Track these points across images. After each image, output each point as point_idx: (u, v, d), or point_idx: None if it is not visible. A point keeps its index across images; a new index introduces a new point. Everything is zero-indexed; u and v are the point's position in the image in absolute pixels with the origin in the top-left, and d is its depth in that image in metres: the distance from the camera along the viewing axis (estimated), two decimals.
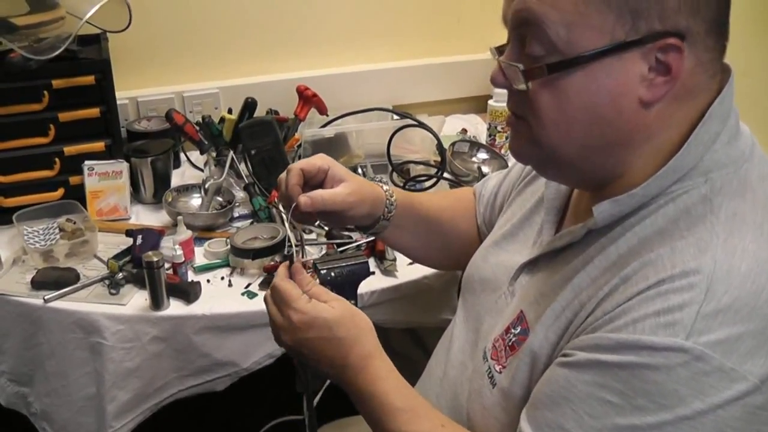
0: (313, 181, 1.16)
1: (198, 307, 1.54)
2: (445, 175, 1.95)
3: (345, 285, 1.35)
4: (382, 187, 1.26)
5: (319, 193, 1.14)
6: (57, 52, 1.73)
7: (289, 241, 1.62)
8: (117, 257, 1.65)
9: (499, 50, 0.94)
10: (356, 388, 1.00)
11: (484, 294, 1.15)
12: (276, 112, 2.08)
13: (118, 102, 1.90)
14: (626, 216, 0.89)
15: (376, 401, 0.97)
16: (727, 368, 0.75)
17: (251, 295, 1.57)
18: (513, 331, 0.99)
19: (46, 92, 1.78)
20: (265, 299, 1.08)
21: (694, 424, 0.75)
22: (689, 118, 0.87)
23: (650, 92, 0.83)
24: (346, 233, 1.74)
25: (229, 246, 1.67)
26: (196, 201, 1.92)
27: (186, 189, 1.94)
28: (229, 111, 2.00)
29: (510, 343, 0.98)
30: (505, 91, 0.93)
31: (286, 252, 1.63)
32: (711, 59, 0.85)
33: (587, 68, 0.82)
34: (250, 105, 1.91)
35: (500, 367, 0.99)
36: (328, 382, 1.15)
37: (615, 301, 0.83)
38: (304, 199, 1.12)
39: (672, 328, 0.76)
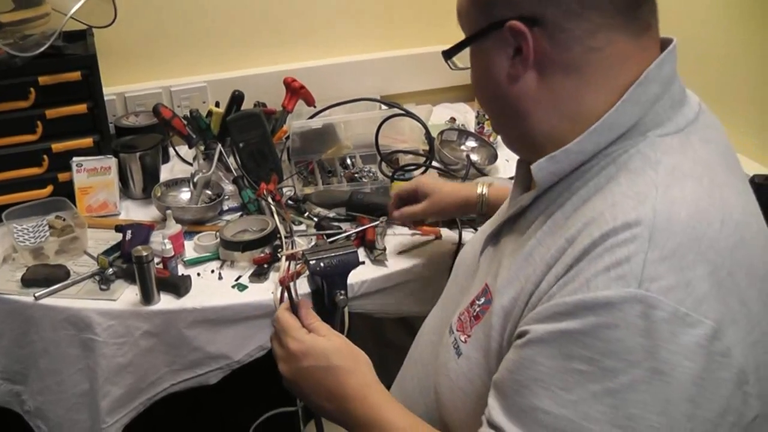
0: (410, 198, 1.62)
1: (189, 301, 1.54)
2: (434, 163, 1.96)
3: (335, 275, 1.36)
4: (478, 186, 1.56)
5: (405, 209, 1.61)
6: (42, 49, 1.73)
7: (280, 233, 1.63)
8: (107, 253, 1.65)
9: None
10: (356, 418, 1.00)
11: (462, 277, 1.18)
12: (263, 105, 2.07)
13: (105, 98, 1.90)
14: (572, 180, 0.92)
15: (379, 426, 0.98)
16: (682, 313, 0.75)
17: (242, 287, 1.57)
18: (477, 302, 1.00)
19: (32, 89, 1.78)
20: (270, 337, 1.14)
21: (665, 378, 0.75)
22: (613, 89, 0.90)
23: (513, 69, 0.92)
24: (336, 224, 1.75)
25: (218, 239, 1.67)
26: (185, 195, 1.93)
27: (175, 183, 1.94)
28: (217, 104, 2.00)
29: (475, 314, 0.99)
30: None
31: (279, 251, 1.64)
32: (578, 36, 0.88)
33: (471, 49, 0.98)
34: (237, 98, 1.91)
35: (465, 337, 0.99)
36: None
37: (564, 263, 0.84)
38: (396, 213, 1.62)
39: (624, 280, 0.77)
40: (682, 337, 0.75)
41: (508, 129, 1.02)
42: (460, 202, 1.57)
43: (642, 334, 0.75)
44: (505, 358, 0.88)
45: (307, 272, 1.55)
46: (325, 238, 1.70)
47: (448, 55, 1.01)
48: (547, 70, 0.90)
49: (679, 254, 0.78)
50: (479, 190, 1.55)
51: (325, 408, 1.04)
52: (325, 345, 1.04)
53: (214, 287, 1.58)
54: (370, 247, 1.67)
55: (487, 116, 1.03)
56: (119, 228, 1.71)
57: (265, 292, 1.56)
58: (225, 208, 1.88)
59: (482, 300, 0.99)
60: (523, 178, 1.08)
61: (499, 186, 1.56)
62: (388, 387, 1.08)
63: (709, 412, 0.77)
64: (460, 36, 0.99)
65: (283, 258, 1.61)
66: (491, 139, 2.18)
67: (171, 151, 2.16)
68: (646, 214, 0.80)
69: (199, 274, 1.62)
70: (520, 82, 0.92)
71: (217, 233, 1.70)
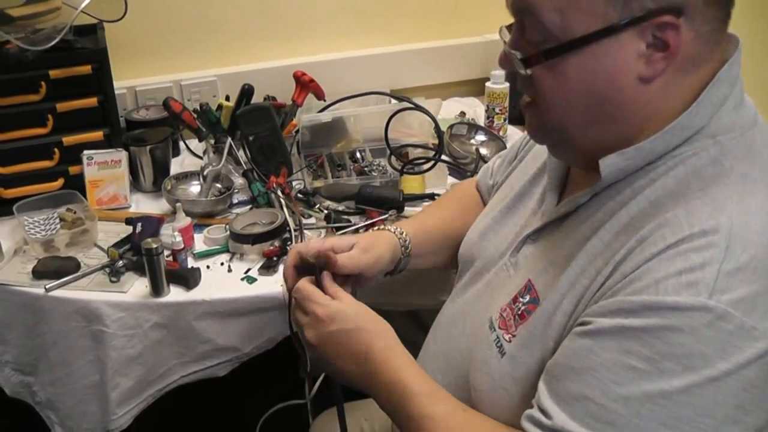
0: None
1: (198, 293, 1.54)
2: (444, 157, 1.96)
3: None
4: (389, 229, 1.33)
5: (340, 259, 1.16)
6: (53, 43, 1.73)
7: (289, 226, 1.63)
8: (117, 245, 1.65)
9: (510, 28, 0.95)
10: (379, 379, 1.01)
11: (484, 269, 1.16)
12: (273, 98, 2.08)
13: (116, 92, 1.90)
14: (635, 179, 0.90)
15: (400, 389, 0.98)
16: (749, 326, 0.75)
17: (251, 280, 1.58)
18: (521, 299, 0.99)
19: (43, 83, 1.78)
20: (292, 309, 1.13)
21: (719, 385, 0.75)
22: (692, 88, 0.87)
23: (649, 68, 0.84)
24: (345, 217, 1.75)
25: (228, 232, 1.68)
26: (195, 188, 1.93)
27: (185, 176, 1.95)
28: (227, 98, 2.00)
29: (519, 312, 0.98)
30: (502, 74, 0.96)
31: (287, 243, 1.64)
32: (712, 29, 0.85)
33: (583, 51, 0.84)
34: (247, 91, 1.91)
35: (510, 336, 0.98)
36: None
37: (633, 262, 0.83)
38: (339, 263, 1.15)
39: (695, 287, 0.76)
40: (745, 350, 0.76)
41: (600, 137, 0.91)
42: (389, 242, 1.30)
43: (706, 342, 0.76)
44: (562, 345, 0.88)
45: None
46: (334, 231, 1.70)
47: (530, 62, 0.88)
48: (673, 67, 0.85)
49: (752, 266, 0.78)
50: (392, 229, 1.33)
51: (351, 371, 1.04)
52: (349, 308, 1.06)
53: (223, 280, 1.59)
54: None
55: (552, 127, 0.92)
56: (129, 221, 1.71)
57: (275, 284, 1.56)
58: (235, 201, 1.88)
59: (527, 298, 0.98)
60: (561, 173, 1.06)
61: (407, 223, 1.39)
62: None
63: (759, 420, 0.77)
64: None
65: None
66: (500, 133, 2.18)
67: (181, 144, 2.16)
68: (723, 223, 0.79)
69: (208, 267, 1.63)
70: (656, 81, 0.85)
71: (227, 226, 1.70)
